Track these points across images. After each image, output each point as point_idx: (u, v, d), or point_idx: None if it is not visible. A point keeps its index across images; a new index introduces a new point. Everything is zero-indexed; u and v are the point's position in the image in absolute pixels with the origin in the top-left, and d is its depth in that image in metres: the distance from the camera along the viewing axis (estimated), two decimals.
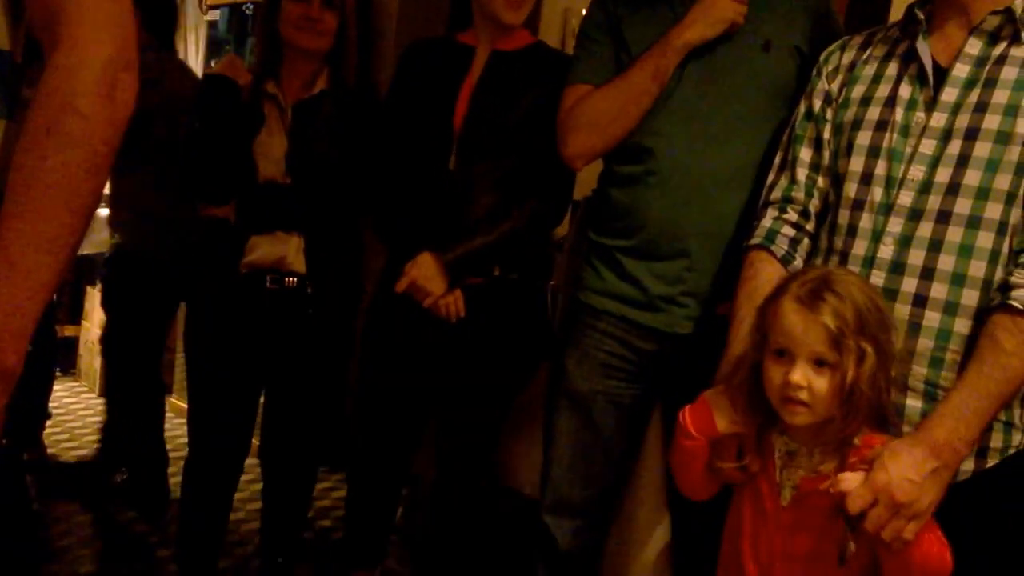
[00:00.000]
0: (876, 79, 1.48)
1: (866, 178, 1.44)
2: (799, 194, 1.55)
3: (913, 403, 1.37)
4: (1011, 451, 1.38)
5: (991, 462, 1.38)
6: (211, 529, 2.23)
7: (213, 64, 4.22)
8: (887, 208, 1.40)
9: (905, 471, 1.22)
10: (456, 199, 1.96)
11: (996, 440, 1.37)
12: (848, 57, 1.54)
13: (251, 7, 3.97)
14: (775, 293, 1.33)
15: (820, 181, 1.54)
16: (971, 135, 1.35)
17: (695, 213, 1.72)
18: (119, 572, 2.61)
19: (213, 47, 4.56)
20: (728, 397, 1.37)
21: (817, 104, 1.55)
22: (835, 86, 1.53)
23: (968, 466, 1.36)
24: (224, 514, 2.25)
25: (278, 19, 2.02)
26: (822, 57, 1.58)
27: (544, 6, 2.89)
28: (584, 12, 1.96)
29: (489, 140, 1.95)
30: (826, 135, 1.53)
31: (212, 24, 4.40)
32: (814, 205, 1.54)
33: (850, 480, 1.23)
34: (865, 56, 1.51)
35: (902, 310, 1.36)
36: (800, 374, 1.27)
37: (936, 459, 1.24)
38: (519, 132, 1.94)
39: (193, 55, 4.88)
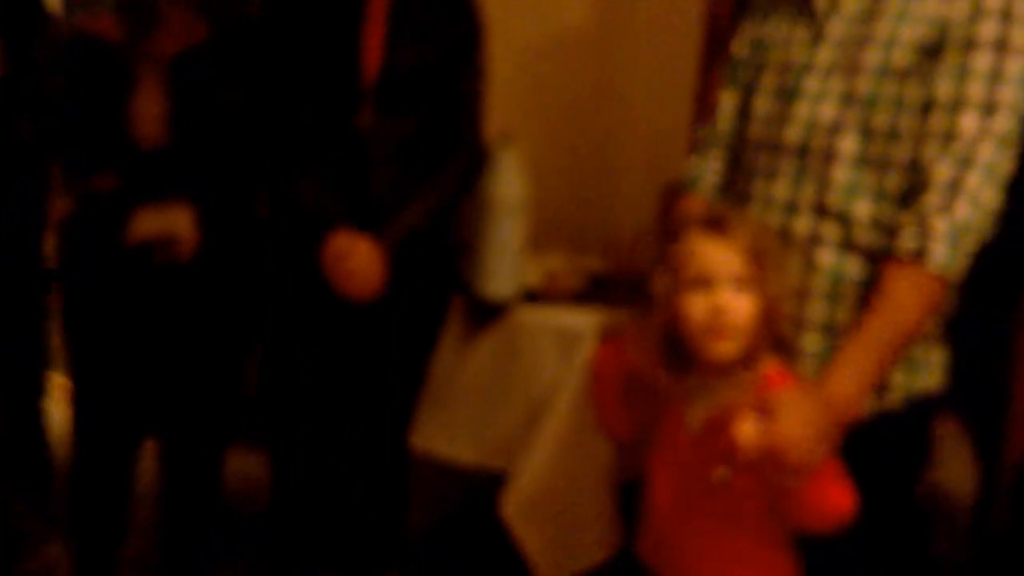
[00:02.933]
0: (782, 17, 1.50)
1: (766, 118, 1.47)
2: (721, 138, 1.59)
3: (812, 338, 1.40)
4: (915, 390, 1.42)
5: (892, 396, 1.41)
6: (105, 524, 2.02)
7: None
8: (779, 147, 1.43)
9: (796, 428, 1.22)
10: (368, 162, 1.83)
11: (896, 377, 1.40)
12: None
13: None
14: (674, 234, 1.35)
15: (740, 124, 1.56)
16: (853, 71, 1.37)
17: None
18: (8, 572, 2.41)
19: None
20: (642, 333, 1.39)
21: (740, 46, 1.59)
22: (754, 25, 1.57)
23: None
24: (120, 506, 2.03)
25: None
26: None
27: None
28: None
29: (407, 92, 1.81)
30: (744, 78, 1.56)
31: None
32: (737, 148, 1.57)
33: (744, 433, 1.24)
34: None
35: (798, 248, 1.39)
36: (725, 298, 1.29)
37: (830, 413, 1.25)
38: (434, 81, 1.82)
39: None
